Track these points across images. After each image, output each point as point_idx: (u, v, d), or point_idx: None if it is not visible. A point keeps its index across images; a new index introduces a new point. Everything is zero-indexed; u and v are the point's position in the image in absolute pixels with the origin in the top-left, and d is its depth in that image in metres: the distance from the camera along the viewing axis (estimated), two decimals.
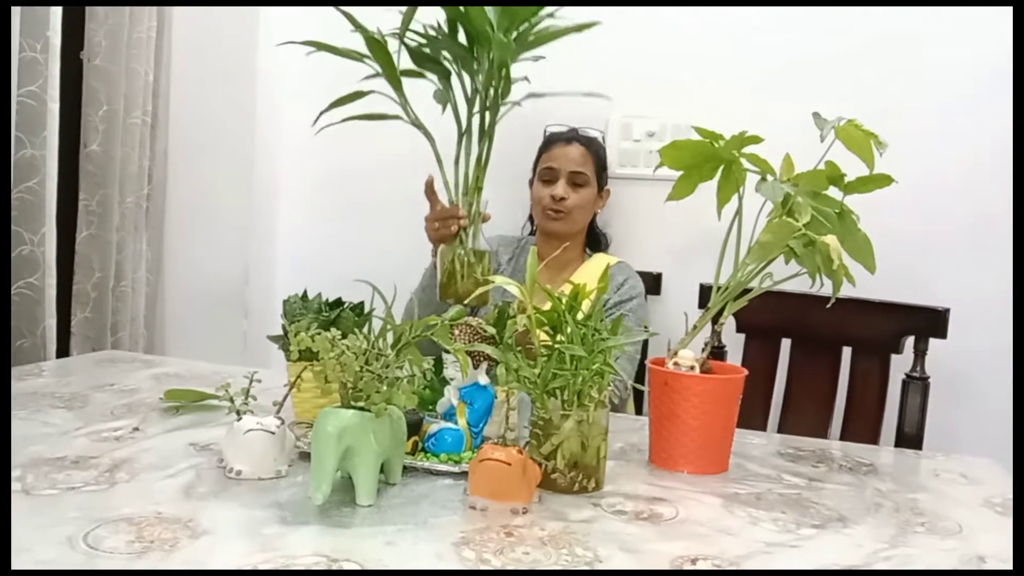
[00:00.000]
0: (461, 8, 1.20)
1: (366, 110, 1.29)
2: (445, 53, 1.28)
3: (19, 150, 1.70)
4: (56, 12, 1.72)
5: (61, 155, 1.78)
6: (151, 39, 2.07)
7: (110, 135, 1.97)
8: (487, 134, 1.30)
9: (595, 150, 1.87)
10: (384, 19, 1.30)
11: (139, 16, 2.01)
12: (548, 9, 1.25)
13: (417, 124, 1.31)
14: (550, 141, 1.88)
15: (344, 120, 1.30)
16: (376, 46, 1.23)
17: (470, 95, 1.29)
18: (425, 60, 1.29)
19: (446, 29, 1.26)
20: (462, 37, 1.26)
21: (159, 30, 2.11)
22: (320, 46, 1.27)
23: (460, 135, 1.31)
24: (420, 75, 1.31)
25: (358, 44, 1.27)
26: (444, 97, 1.30)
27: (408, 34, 1.27)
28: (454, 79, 1.31)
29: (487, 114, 1.29)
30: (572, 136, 1.86)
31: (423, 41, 1.28)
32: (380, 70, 1.26)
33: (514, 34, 1.23)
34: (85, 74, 1.94)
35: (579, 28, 1.26)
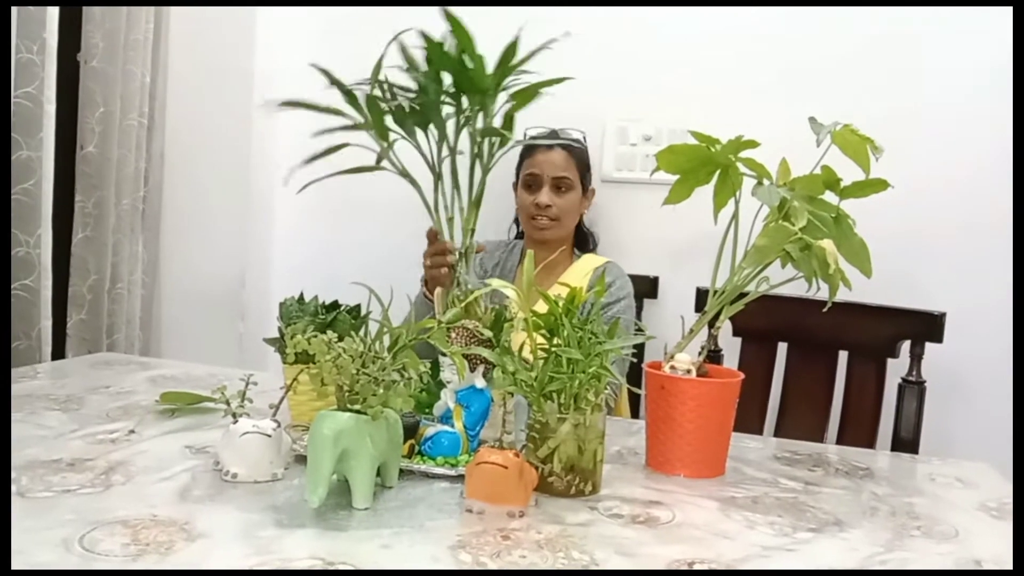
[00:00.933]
0: (459, 63, 1.20)
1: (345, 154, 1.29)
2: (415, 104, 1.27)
3: (15, 151, 1.70)
4: (53, 14, 1.72)
5: (57, 157, 1.78)
6: (148, 41, 2.07)
7: (106, 137, 1.97)
8: (482, 182, 1.30)
9: (578, 153, 1.86)
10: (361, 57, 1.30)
11: (136, 18, 2.01)
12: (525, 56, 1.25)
13: (404, 174, 1.31)
14: (532, 147, 1.85)
15: (329, 176, 1.31)
16: (372, 106, 1.23)
17: (452, 143, 1.28)
18: (403, 113, 1.28)
19: (420, 80, 1.26)
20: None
21: (156, 32, 2.10)
22: (303, 105, 1.27)
23: (436, 180, 1.30)
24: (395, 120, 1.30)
25: (348, 57, 1.27)
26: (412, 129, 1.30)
27: (385, 84, 1.26)
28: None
29: (477, 162, 1.29)
30: (553, 140, 1.85)
31: (408, 95, 1.27)
32: (363, 120, 1.26)
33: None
34: (82, 76, 1.94)
35: (550, 83, 1.27)
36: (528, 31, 1.26)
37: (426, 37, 1.20)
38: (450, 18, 1.18)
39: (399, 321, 1.26)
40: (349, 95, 1.24)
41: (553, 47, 1.31)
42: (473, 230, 1.31)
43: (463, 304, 1.19)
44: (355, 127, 1.26)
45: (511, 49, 1.21)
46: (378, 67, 1.24)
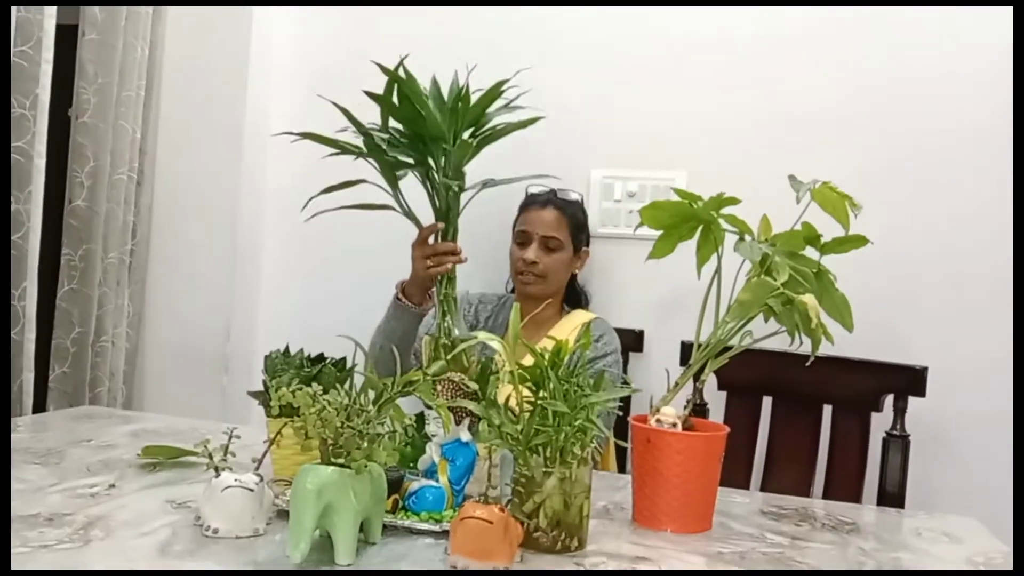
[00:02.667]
0: (415, 114, 1.25)
1: (354, 189, 1.33)
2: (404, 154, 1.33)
3: None
4: (46, 71, 1.75)
5: (46, 210, 1.79)
6: (140, 98, 2.10)
7: (95, 191, 1.98)
8: (452, 225, 1.36)
9: (571, 213, 1.88)
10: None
11: (128, 75, 2.04)
12: (498, 105, 1.30)
13: (409, 215, 1.35)
14: (527, 204, 1.89)
15: (339, 208, 1.35)
16: (375, 150, 1.27)
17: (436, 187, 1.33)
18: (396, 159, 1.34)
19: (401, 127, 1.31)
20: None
21: (148, 89, 2.14)
22: (315, 138, 1.31)
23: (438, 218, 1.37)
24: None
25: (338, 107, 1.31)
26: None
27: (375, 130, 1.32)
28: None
29: (450, 206, 1.34)
30: (549, 199, 1.87)
31: (386, 140, 1.32)
32: (374, 164, 1.31)
33: (467, 132, 1.29)
34: (72, 130, 1.96)
35: (524, 124, 1.32)
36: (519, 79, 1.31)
37: (371, 95, 1.24)
38: (389, 73, 1.22)
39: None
40: (368, 137, 1.27)
41: (539, 106, 1.35)
42: (452, 278, 1.35)
43: (450, 355, 1.20)
44: (362, 155, 1.30)
45: (461, 96, 1.26)
46: (385, 120, 1.27)
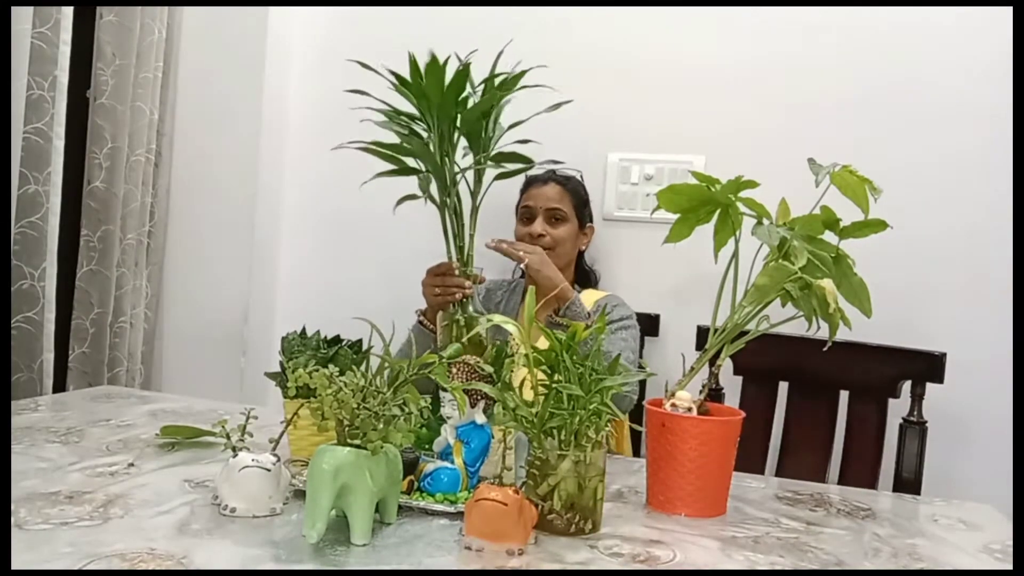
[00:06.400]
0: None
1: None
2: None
3: (23, 186, 1.72)
4: (64, 52, 1.75)
5: (64, 191, 1.80)
6: (157, 79, 2.10)
7: (113, 172, 1.99)
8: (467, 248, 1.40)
9: (572, 187, 1.90)
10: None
11: (146, 57, 2.05)
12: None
13: (434, 201, 1.38)
14: (528, 183, 1.92)
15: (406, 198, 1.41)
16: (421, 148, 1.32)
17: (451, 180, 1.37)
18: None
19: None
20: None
21: (165, 70, 2.14)
22: (373, 150, 1.35)
23: (441, 208, 1.37)
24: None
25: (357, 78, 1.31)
26: (425, 185, 1.37)
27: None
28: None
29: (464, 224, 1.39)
30: (548, 176, 1.89)
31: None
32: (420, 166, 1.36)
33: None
34: (91, 112, 1.97)
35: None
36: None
37: (399, 80, 1.31)
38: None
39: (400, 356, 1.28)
40: (411, 132, 1.33)
41: (557, 92, 1.35)
42: (471, 256, 1.39)
43: (466, 338, 1.20)
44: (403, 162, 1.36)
45: (461, 74, 1.29)
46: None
